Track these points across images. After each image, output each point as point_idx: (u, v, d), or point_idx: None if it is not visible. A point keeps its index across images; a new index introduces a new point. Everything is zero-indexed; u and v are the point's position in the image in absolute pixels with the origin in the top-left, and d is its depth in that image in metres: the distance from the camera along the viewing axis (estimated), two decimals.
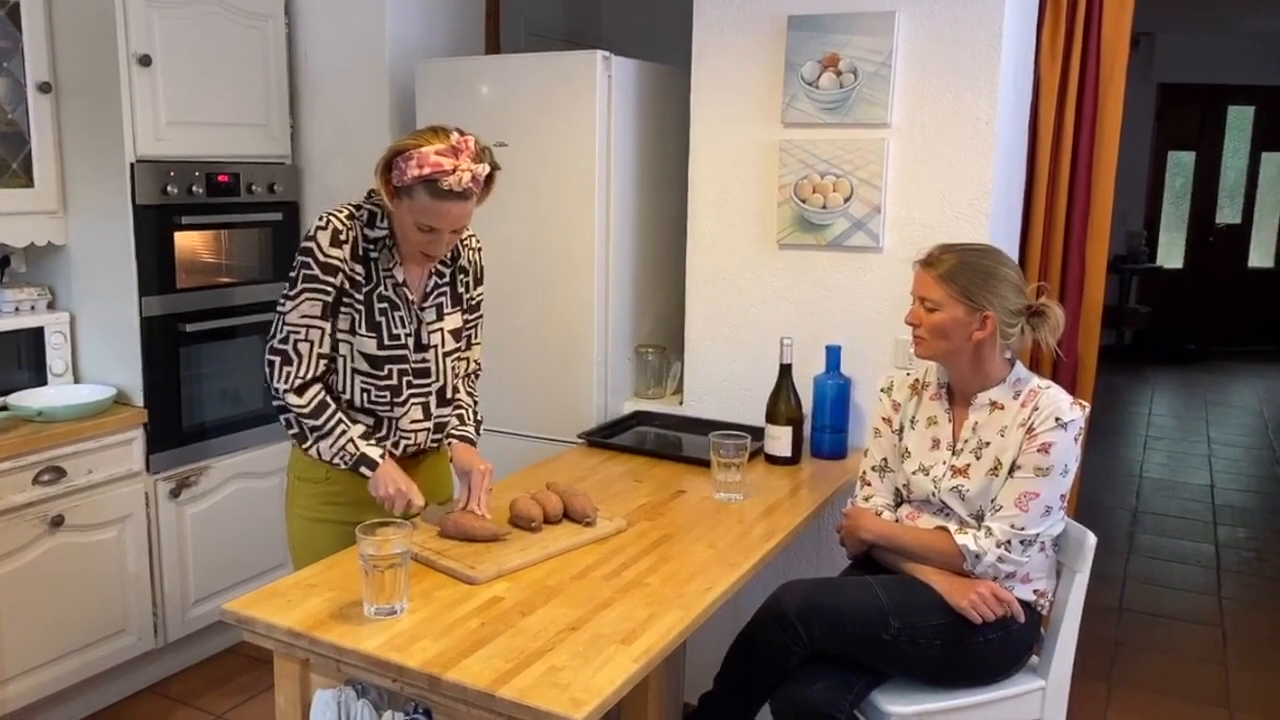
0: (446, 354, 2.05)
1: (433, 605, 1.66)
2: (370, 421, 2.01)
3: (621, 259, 2.89)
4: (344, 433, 1.94)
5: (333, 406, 1.95)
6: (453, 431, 2.13)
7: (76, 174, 2.87)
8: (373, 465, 1.94)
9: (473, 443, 2.13)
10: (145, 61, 2.77)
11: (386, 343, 1.96)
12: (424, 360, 2.02)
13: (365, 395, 1.99)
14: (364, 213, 1.95)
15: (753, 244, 2.72)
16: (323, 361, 1.96)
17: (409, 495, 1.93)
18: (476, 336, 2.19)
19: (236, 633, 1.72)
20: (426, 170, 1.79)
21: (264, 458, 3.21)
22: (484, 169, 1.85)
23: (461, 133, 1.85)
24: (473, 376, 2.22)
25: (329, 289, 1.91)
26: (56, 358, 2.90)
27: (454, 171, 1.80)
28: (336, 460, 1.94)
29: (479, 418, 2.20)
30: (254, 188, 3.13)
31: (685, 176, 2.81)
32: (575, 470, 2.42)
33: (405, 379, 2.00)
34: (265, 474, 3.21)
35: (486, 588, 1.74)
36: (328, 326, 1.94)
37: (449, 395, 2.09)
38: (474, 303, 2.14)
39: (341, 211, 1.93)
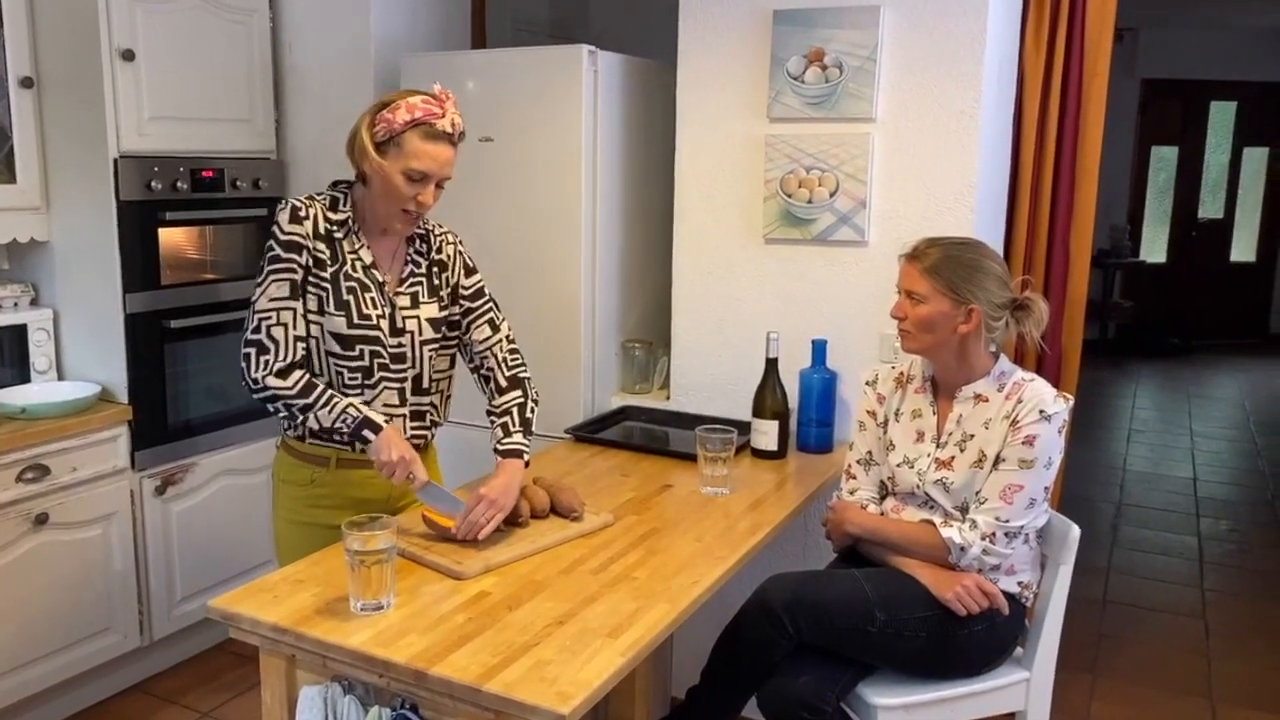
0: (424, 342, 2.02)
1: (419, 600, 1.66)
2: None
3: (608, 254, 2.89)
4: (339, 400, 1.89)
5: (322, 385, 1.91)
6: (496, 448, 2.00)
7: (59, 170, 2.85)
8: (376, 428, 1.88)
9: (520, 455, 1.98)
10: (128, 56, 2.75)
11: (356, 321, 1.93)
12: (399, 345, 1.99)
13: (339, 378, 1.96)
14: (325, 197, 1.96)
15: (739, 239, 2.73)
16: (300, 346, 1.91)
17: (411, 466, 1.88)
18: (499, 318, 2.12)
19: (222, 630, 1.72)
20: (418, 114, 1.84)
21: (250, 455, 3.20)
22: (463, 123, 1.91)
23: (440, 88, 1.91)
24: (511, 356, 2.12)
25: (295, 266, 1.90)
26: (40, 355, 2.89)
27: (444, 115, 1.86)
28: (339, 425, 1.88)
29: (529, 412, 2.06)
30: (239, 183, 3.11)
31: (671, 171, 2.81)
32: (562, 465, 2.42)
33: (377, 360, 1.97)
34: (251, 471, 3.20)
35: (473, 583, 1.74)
36: (299, 307, 1.91)
37: (426, 384, 2.06)
38: (472, 291, 2.09)
39: (301, 196, 1.95)
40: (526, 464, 1.99)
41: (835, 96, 2.53)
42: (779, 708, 1.92)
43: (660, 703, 2.66)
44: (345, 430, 1.89)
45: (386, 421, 1.91)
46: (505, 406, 2.06)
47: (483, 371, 2.12)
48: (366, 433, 1.89)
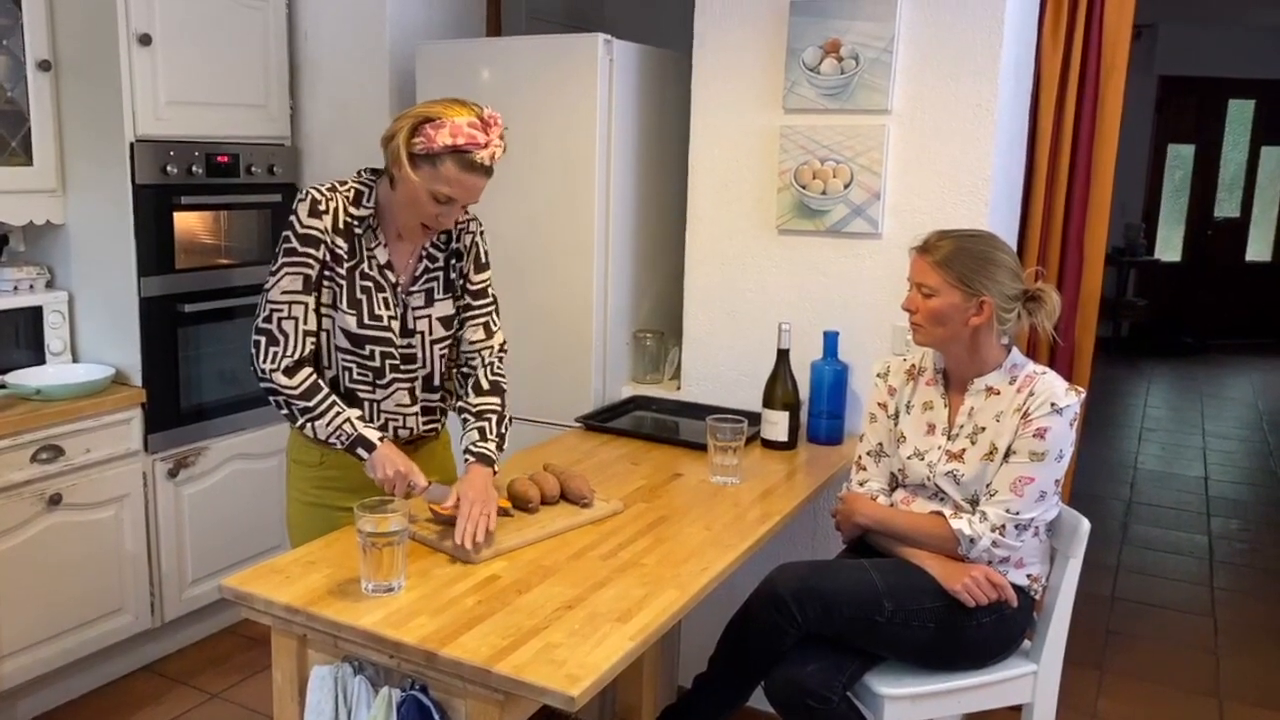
0: (435, 341, 2.00)
1: (430, 583, 1.67)
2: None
3: (621, 244, 2.89)
4: (339, 413, 1.88)
5: (326, 389, 1.89)
6: (470, 448, 1.95)
7: (76, 153, 2.87)
8: (370, 447, 1.87)
9: (492, 463, 1.94)
10: (145, 40, 2.76)
11: (367, 321, 1.91)
12: (409, 346, 1.97)
13: (348, 374, 1.94)
14: (349, 189, 1.91)
15: (752, 229, 2.73)
16: (310, 340, 1.89)
17: (409, 477, 1.87)
18: (495, 323, 2.08)
19: (234, 613, 1.73)
20: (460, 140, 1.77)
21: (262, 439, 3.22)
22: (503, 150, 1.84)
23: (489, 112, 1.83)
24: (500, 364, 2.07)
25: (310, 261, 1.87)
26: (55, 337, 2.90)
27: (486, 146, 1.79)
28: (333, 440, 1.88)
29: (505, 427, 2.01)
30: (253, 169, 3.13)
31: (685, 161, 2.81)
32: (573, 453, 2.43)
33: (389, 362, 1.95)
34: (263, 455, 3.22)
35: (484, 567, 1.74)
36: (311, 301, 1.88)
37: (437, 382, 2.05)
38: (478, 289, 2.05)
39: (323, 185, 1.90)
40: (495, 474, 1.94)
41: (851, 88, 2.53)
42: (786, 696, 1.92)
43: (667, 691, 2.67)
44: (339, 445, 1.88)
45: (380, 440, 1.89)
46: (483, 409, 2.01)
47: (464, 369, 2.08)
48: (360, 451, 1.88)
